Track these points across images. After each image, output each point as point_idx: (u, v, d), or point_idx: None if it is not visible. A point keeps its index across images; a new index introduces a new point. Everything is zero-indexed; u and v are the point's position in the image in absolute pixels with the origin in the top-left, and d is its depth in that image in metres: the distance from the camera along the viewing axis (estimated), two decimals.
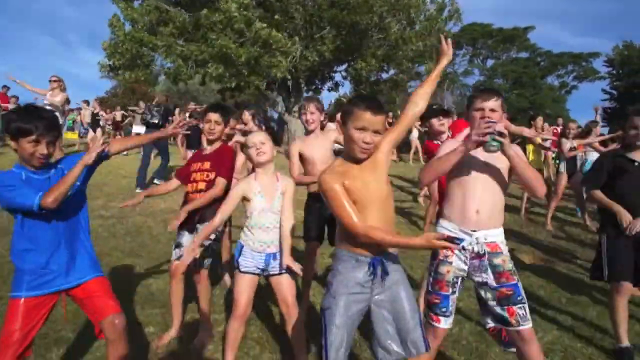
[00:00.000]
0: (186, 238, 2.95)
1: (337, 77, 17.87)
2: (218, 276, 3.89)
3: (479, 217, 2.10)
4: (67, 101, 8.10)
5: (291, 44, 13.50)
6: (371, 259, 1.77)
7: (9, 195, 1.85)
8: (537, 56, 33.16)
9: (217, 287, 3.75)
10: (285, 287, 2.43)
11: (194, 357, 2.74)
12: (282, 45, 13.12)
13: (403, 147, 13.91)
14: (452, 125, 3.32)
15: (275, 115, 21.12)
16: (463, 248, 2.11)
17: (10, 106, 11.72)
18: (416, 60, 16.09)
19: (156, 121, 8.56)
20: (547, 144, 7.37)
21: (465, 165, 2.12)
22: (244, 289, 2.40)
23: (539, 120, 7.61)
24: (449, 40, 2.08)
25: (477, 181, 2.12)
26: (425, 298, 2.25)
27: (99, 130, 13.91)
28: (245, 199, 2.43)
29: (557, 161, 7.09)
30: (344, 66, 16.75)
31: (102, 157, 2.06)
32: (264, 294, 3.22)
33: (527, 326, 2.04)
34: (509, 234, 4.48)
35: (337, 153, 2.93)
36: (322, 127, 5.97)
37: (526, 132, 4.73)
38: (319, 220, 3.13)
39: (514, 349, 2.82)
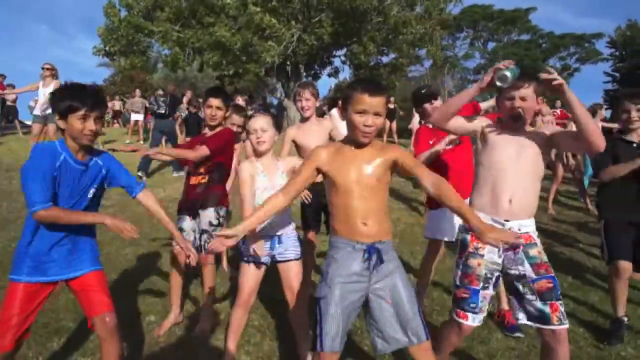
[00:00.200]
0: (187, 223, 2.96)
1: (337, 62, 17.70)
2: (219, 264, 3.88)
3: (511, 206, 1.99)
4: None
5: (286, 30, 13.29)
6: (367, 246, 1.76)
7: (27, 179, 1.84)
8: (539, 38, 32.71)
9: (218, 276, 3.75)
10: (293, 273, 2.41)
11: (196, 345, 2.75)
12: (277, 31, 12.93)
13: (404, 132, 13.82)
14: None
15: (275, 102, 20.97)
16: None
17: (9, 96, 11.60)
18: (416, 45, 15.85)
19: (162, 111, 8.63)
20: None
21: (494, 151, 2.02)
22: (248, 278, 2.39)
23: (543, 106, 7.52)
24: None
25: (508, 168, 2.01)
26: (452, 292, 2.13)
27: None
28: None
29: None
30: (343, 51, 16.55)
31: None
32: (265, 282, 3.21)
33: (566, 326, 1.93)
34: None
35: None
36: (323, 114, 5.92)
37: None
38: (316, 208, 3.10)
39: (518, 334, 2.84)
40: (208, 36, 13.04)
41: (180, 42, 13.73)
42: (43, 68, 7.15)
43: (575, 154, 6.67)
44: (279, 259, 2.41)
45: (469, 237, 2.08)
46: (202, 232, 2.93)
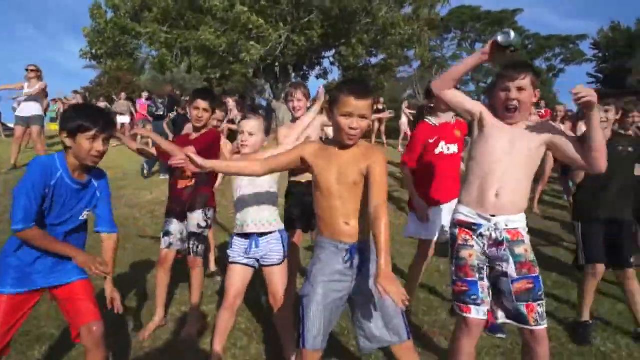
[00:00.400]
0: (174, 226, 2.95)
1: (326, 63, 17.76)
2: (206, 266, 3.86)
3: (498, 200, 1.92)
4: (45, 91, 7.88)
5: (273, 31, 13.29)
6: (349, 246, 1.78)
7: (19, 193, 1.82)
8: (525, 39, 33.11)
9: (205, 278, 3.73)
10: (277, 278, 2.40)
11: (182, 349, 2.73)
12: (263, 31, 12.92)
13: (392, 133, 13.88)
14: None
15: (264, 103, 20.92)
16: (480, 235, 1.96)
17: None
18: (405, 45, 15.97)
19: (161, 113, 8.60)
20: None
21: (487, 142, 1.97)
22: (235, 281, 2.39)
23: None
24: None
25: (498, 161, 1.94)
26: (452, 290, 2.07)
27: None
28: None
29: None
30: (332, 52, 16.59)
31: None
32: (252, 285, 3.19)
33: (544, 326, 1.91)
34: None
35: None
36: None
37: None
38: (302, 209, 3.09)
39: (500, 335, 2.87)
40: (194, 41, 13.00)
41: (167, 44, 13.65)
42: (27, 70, 7.04)
43: None
44: (262, 263, 2.41)
45: (457, 230, 2.06)
46: (190, 234, 2.92)
